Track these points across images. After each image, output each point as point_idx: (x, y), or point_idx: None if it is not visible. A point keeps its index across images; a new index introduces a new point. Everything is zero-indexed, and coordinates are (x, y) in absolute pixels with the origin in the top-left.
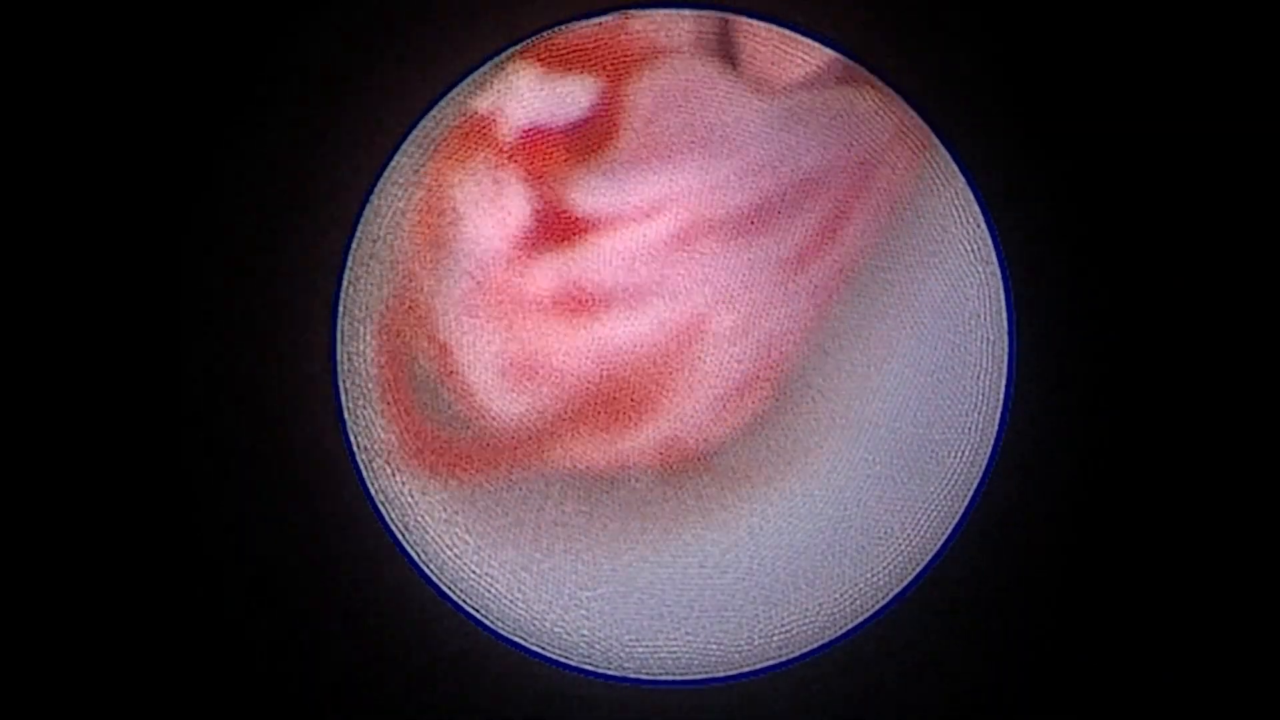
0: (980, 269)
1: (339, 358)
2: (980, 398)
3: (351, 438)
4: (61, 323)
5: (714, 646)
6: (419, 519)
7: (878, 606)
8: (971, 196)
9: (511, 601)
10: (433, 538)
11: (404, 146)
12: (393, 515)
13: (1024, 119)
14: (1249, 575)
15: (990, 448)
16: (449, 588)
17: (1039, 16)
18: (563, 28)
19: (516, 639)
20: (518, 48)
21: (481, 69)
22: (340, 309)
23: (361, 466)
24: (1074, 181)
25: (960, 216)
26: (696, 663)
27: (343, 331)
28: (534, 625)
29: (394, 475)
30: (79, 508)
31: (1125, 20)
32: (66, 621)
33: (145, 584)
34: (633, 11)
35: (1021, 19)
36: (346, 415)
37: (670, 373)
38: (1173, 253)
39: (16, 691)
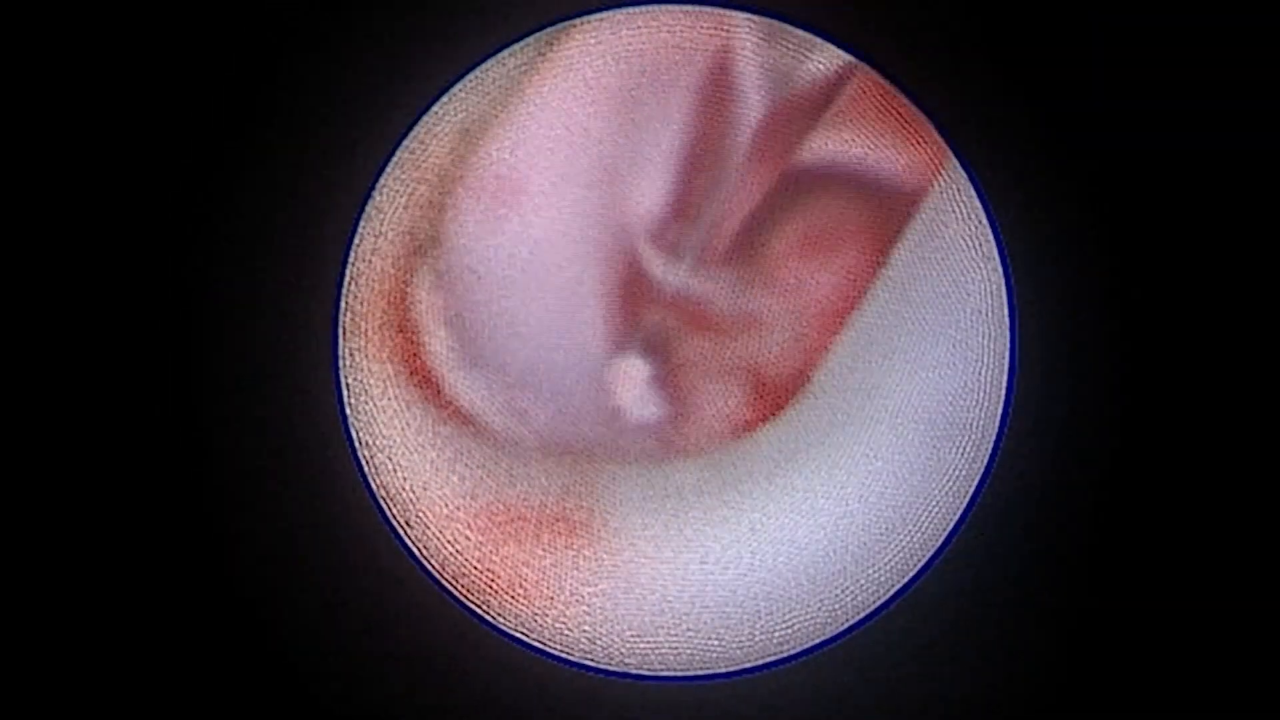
0: (982, 265)
1: (341, 352)
2: (982, 394)
3: (354, 432)
4: (64, 312)
5: (715, 643)
6: (420, 514)
7: (880, 603)
8: (974, 193)
9: (513, 597)
10: (434, 533)
11: (407, 142)
12: (394, 511)
13: (1029, 120)
14: (1247, 573)
15: (992, 444)
16: (450, 583)
17: (1046, 21)
18: (560, 25)
19: (518, 635)
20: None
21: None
22: (343, 304)
23: (364, 462)
24: (1077, 182)
25: (963, 213)
26: (698, 659)
27: (345, 326)
28: (535, 621)
29: (396, 470)
30: (77, 490)
31: (1130, 23)
32: (64, 604)
33: (144, 574)
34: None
35: (1028, 23)
36: (349, 410)
37: (676, 373)
38: (1176, 255)
39: (17, 691)
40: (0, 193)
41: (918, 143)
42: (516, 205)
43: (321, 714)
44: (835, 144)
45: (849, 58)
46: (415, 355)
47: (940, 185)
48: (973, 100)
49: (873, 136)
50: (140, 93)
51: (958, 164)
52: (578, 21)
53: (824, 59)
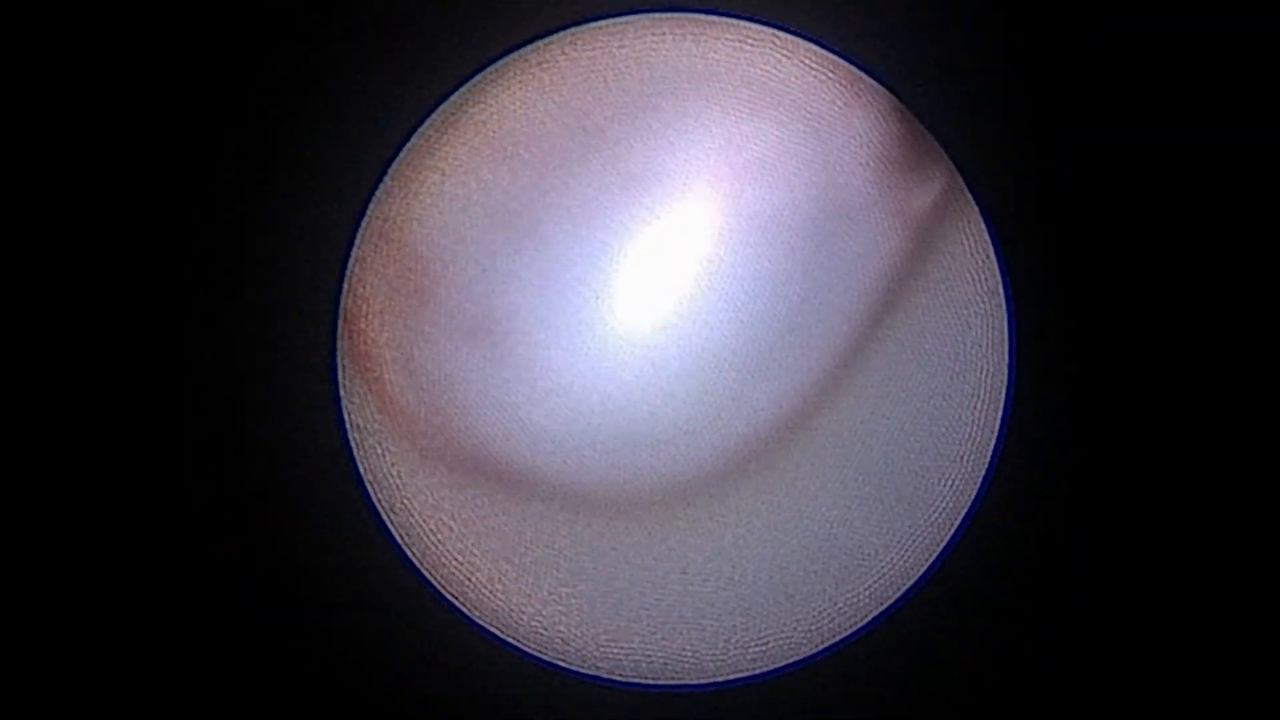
0: (986, 300)
1: (340, 335)
2: (975, 427)
3: (345, 416)
4: (67, 302)
5: (688, 653)
6: (405, 502)
7: (855, 628)
8: (983, 226)
9: (491, 592)
10: (418, 521)
11: (421, 130)
12: (380, 496)
13: (1043, 155)
14: (1237, 629)
15: (980, 478)
16: (430, 573)
17: (1065, 52)
18: (565, 32)
19: (493, 630)
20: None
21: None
22: (345, 288)
23: (353, 445)
24: (1086, 219)
25: (971, 245)
26: (669, 668)
27: (346, 310)
28: (511, 617)
29: (384, 456)
30: (77, 485)
31: (1154, 58)
32: (59, 600)
33: (132, 556)
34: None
35: (1048, 53)
36: (342, 393)
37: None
38: (1186, 306)
39: (16, 691)
40: (2, 189)
41: (932, 174)
42: (529, 202)
43: (290, 691)
44: (850, 169)
45: (874, 85)
46: (413, 343)
47: (951, 219)
48: (988, 136)
49: (888, 165)
50: (157, 82)
51: (970, 198)
52: (602, 24)
53: (844, 82)
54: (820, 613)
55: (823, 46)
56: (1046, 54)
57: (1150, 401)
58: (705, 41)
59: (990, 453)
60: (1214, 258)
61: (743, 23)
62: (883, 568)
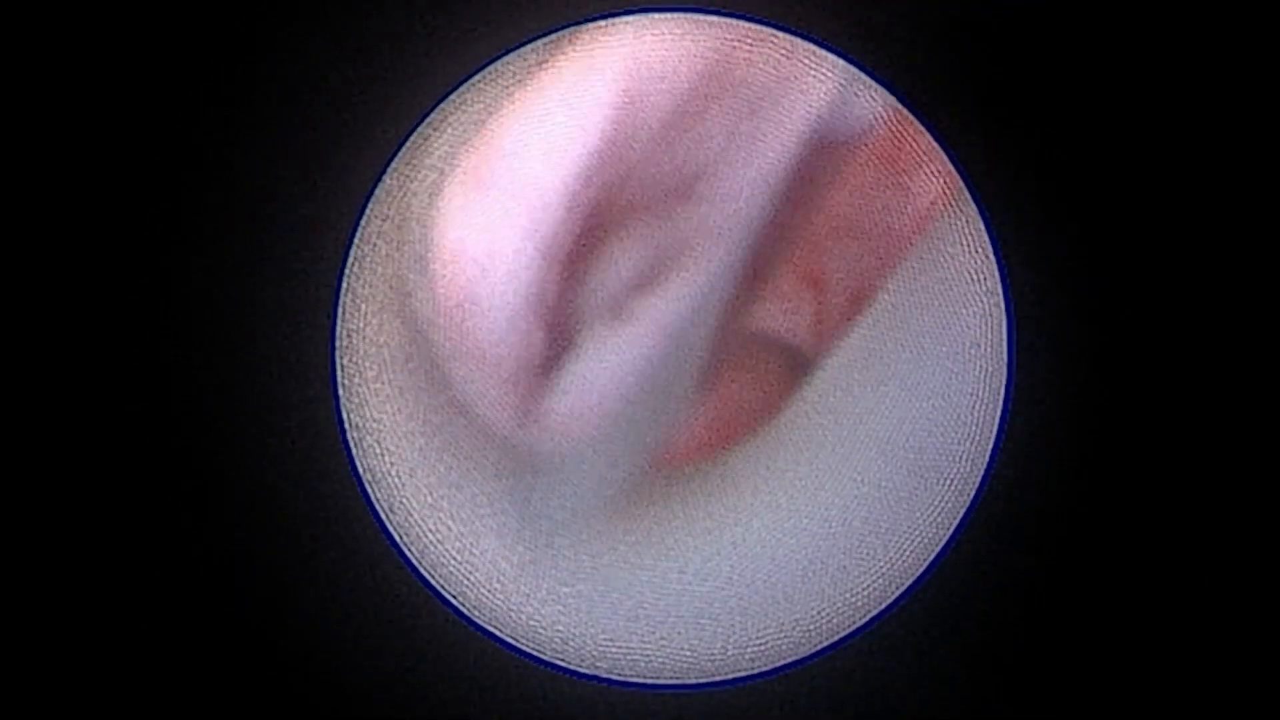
0: (984, 299)
1: (338, 334)
2: (974, 426)
3: (344, 414)
4: (73, 297)
5: (687, 653)
6: (404, 501)
7: (855, 627)
8: (981, 225)
9: (490, 591)
10: (416, 521)
11: (421, 128)
12: (378, 495)
13: (1042, 153)
14: (1238, 633)
15: (980, 477)
16: (429, 572)
17: (1064, 50)
18: (570, 29)
19: (491, 629)
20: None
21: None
22: (343, 286)
23: (351, 444)
24: (1085, 217)
25: (969, 244)
26: (668, 668)
27: (344, 308)
28: (509, 617)
29: (383, 455)
30: (79, 480)
31: (1154, 60)
32: (54, 599)
33: (128, 555)
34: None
35: (1046, 51)
36: (341, 391)
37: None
38: (1186, 304)
39: (15, 691)
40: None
41: (929, 170)
42: (524, 199)
43: (284, 690)
44: (844, 165)
45: (870, 82)
46: (412, 341)
47: (949, 215)
48: (988, 133)
49: (884, 161)
50: (155, 80)
51: (968, 195)
52: (600, 24)
53: (843, 80)
54: (819, 613)
55: (823, 47)
56: (1048, 50)
57: (1153, 400)
58: (705, 40)
59: (989, 451)
60: (1218, 254)
61: (743, 22)
62: (882, 567)
